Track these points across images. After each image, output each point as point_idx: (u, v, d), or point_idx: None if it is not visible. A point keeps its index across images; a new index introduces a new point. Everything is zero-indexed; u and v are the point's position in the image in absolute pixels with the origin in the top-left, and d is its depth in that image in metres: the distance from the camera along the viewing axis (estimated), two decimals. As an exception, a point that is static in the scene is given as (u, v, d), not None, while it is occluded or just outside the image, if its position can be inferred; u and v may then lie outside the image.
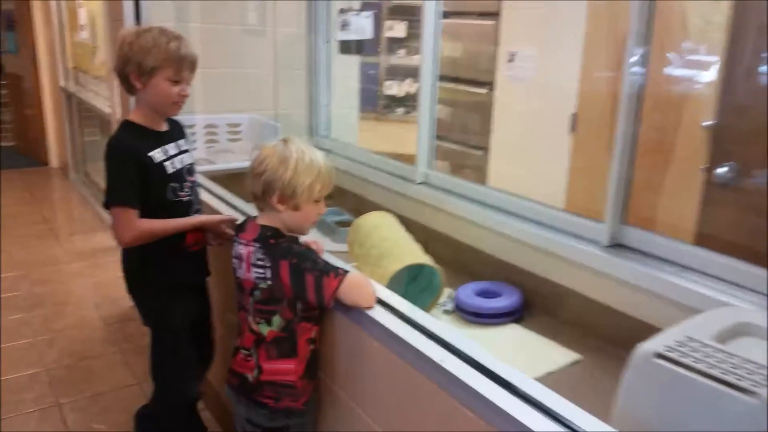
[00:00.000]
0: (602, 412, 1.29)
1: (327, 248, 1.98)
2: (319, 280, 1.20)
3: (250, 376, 1.32)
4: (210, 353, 1.81)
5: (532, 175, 2.24)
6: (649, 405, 0.82)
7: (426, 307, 1.70)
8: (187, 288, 1.66)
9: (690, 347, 0.83)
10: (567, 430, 0.88)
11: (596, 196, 1.59)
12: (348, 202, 2.43)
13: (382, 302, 1.26)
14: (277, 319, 1.29)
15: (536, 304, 1.72)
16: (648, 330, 1.45)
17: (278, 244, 1.26)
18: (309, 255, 1.25)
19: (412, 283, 1.76)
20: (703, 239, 1.56)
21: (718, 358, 0.81)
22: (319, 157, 1.29)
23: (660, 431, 0.80)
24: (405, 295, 1.73)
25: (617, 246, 1.55)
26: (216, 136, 2.82)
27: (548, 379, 1.40)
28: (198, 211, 1.63)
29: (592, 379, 1.42)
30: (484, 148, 2.63)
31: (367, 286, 1.25)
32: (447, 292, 1.76)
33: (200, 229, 1.59)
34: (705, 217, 1.59)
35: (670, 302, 1.39)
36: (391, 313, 1.23)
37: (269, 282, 1.25)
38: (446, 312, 1.73)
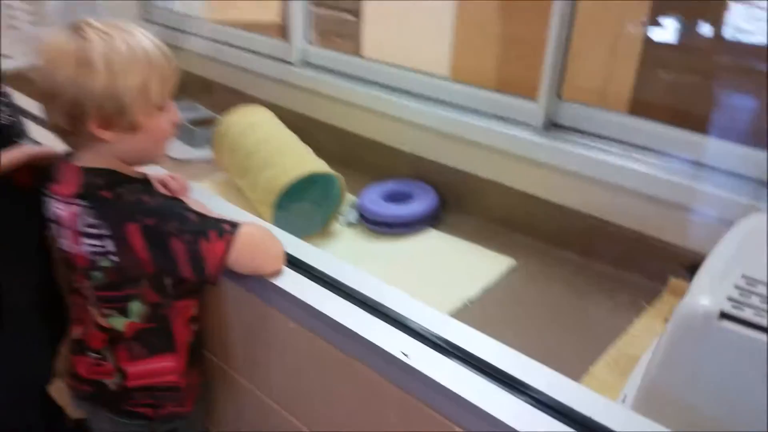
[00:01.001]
0: (560, 332, 1.11)
1: (184, 156, 1.53)
2: (195, 247, 0.80)
3: (110, 382, 0.92)
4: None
5: (412, 43, 1.87)
6: (708, 384, 0.58)
7: (325, 223, 1.36)
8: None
9: (761, 295, 0.57)
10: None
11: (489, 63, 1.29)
12: (203, 94, 1.94)
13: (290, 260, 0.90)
14: (136, 307, 0.87)
15: (455, 204, 1.44)
16: (588, 222, 1.26)
17: (118, 197, 0.81)
18: (171, 208, 0.83)
19: (305, 197, 1.41)
20: (642, 108, 1.33)
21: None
22: (141, 38, 0.81)
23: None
24: (298, 215, 1.39)
25: (553, 127, 1.28)
26: (13, 20, 2.14)
27: (487, 299, 1.16)
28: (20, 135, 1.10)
29: (536, 289, 1.19)
30: (354, 12, 2.21)
31: (269, 243, 0.88)
32: (349, 199, 1.42)
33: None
34: (643, 82, 1.35)
35: (613, 187, 1.17)
36: (302, 272, 0.88)
37: (113, 258, 0.82)
38: (349, 224, 1.41)
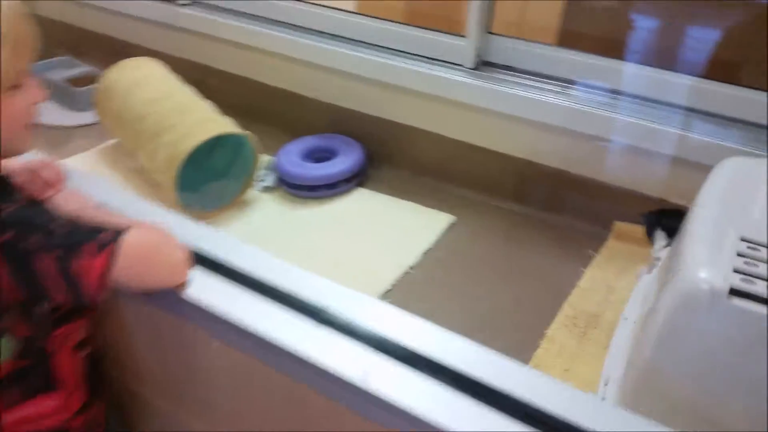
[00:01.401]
0: (509, 291, 1.03)
1: (63, 122, 1.32)
2: (66, 264, 0.62)
3: None
4: None
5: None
6: (716, 370, 0.49)
7: (238, 191, 1.20)
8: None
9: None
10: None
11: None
12: (82, 47, 1.68)
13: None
14: (5, 343, 0.68)
15: (382, 158, 1.31)
16: (526, 168, 1.17)
17: None
18: (33, 217, 0.64)
19: (212, 164, 1.23)
20: (572, 39, 1.24)
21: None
22: None
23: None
24: (206, 185, 1.22)
25: (484, 65, 1.16)
26: None
27: (429, 262, 1.05)
28: None
29: (479, 245, 1.09)
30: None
31: (165, 250, 0.69)
32: (264, 161, 1.26)
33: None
34: (573, 11, 1.25)
35: (550, 128, 1.08)
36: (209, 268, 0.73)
37: None
38: (267, 189, 1.25)
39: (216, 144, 1.12)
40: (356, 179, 1.25)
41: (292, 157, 1.25)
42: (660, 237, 0.92)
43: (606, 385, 0.60)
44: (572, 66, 1.09)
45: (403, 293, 0.98)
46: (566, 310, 0.94)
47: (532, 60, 1.12)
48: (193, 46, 1.47)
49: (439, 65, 1.17)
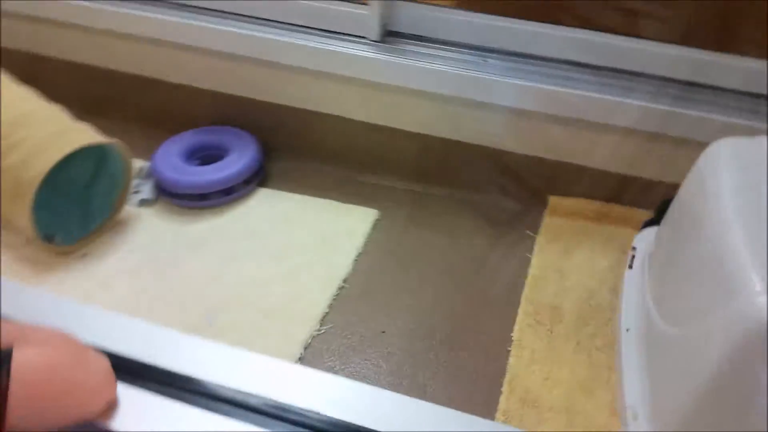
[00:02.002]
0: (460, 291, 0.93)
1: None
2: None
3: None
4: None
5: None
6: None
7: (109, 211, 0.97)
8: None
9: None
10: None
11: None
12: None
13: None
14: None
15: (282, 150, 1.14)
16: (446, 148, 1.06)
17: None
18: None
19: (71, 183, 0.99)
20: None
21: None
22: None
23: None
24: (67, 210, 0.97)
25: (390, 36, 1.02)
26: None
27: (364, 270, 0.92)
28: None
29: (412, 241, 0.98)
30: None
31: (77, 372, 0.48)
32: (137, 168, 1.04)
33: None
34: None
35: (467, 103, 0.98)
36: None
37: None
38: (144, 203, 1.03)
39: (74, 158, 0.88)
40: (255, 179, 1.07)
41: (171, 159, 1.04)
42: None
43: (636, 419, 0.52)
44: (490, 32, 0.98)
45: (341, 316, 0.84)
46: (525, 306, 0.85)
47: (443, 27, 1.00)
48: (20, 32, 1.17)
49: (339, 39, 1.01)
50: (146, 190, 1.04)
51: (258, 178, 1.07)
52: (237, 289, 0.88)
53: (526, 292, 0.88)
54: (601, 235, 0.97)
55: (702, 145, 0.67)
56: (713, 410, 0.43)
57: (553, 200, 1.02)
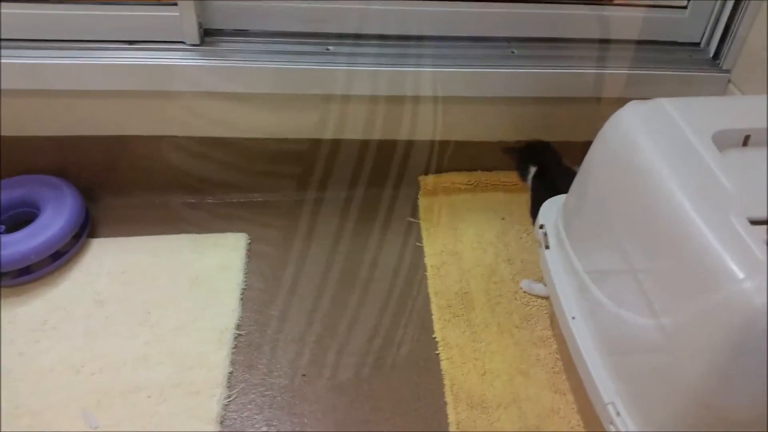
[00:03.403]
0: (363, 300, 0.84)
1: None
2: None
3: None
4: None
5: None
6: None
7: None
8: None
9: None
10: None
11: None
12: None
13: None
14: None
15: (100, 188, 0.95)
16: (276, 148, 0.96)
17: None
18: None
19: None
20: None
21: None
22: None
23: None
24: None
25: (210, 35, 0.88)
26: None
27: (252, 308, 0.82)
28: None
29: (296, 257, 0.89)
30: None
31: None
32: None
33: None
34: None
35: (296, 98, 0.89)
36: None
37: None
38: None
39: None
40: (84, 231, 0.89)
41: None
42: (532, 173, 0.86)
43: (618, 414, 0.51)
44: (325, 14, 0.89)
45: (249, 371, 0.74)
46: (435, 300, 0.82)
47: (266, 18, 0.89)
48: None
49: (153, 49, 0.85)
50: (-61, 281, 0.81)
51: (86, 228, 0.89)
52: (110, 374, 0.72)
53: (431, 283, 0.85)
54: (478, 204, 0.96)
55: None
56: (710, 403, 0.44)
57: (424, 179, 0.99)
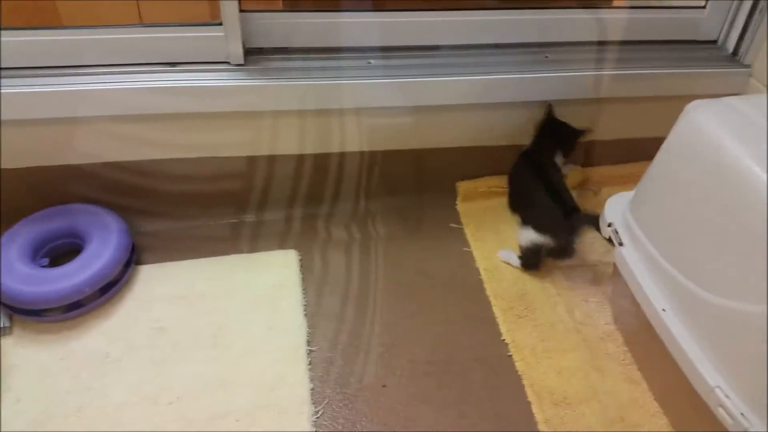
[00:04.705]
0: (429, 307, 0.84)
1: None
2: None
3: None
4: None
5: None
6: None
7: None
8: None
9: None
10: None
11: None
12: None
13: None
14: None
15: (143, 212, 0.94)
16: (329, 161, 0.97)
17: None
18: None
19: None
20: None
21: None
22: None
23: None
24: None
25: (252, 54, 0.88)
26: None
27: (319, 323, 0.82)
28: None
29: (350, 272, 0.89)
30: None
31: None
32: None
33: None
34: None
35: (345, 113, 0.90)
36: None
37: None
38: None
39: None
40: (132, 258, 0.87)
41: (14, 266, 0.79)
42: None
43: (728, 397, 0.53)
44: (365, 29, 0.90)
45: (330, 386, 0.74)
46: (495, 302, 0.84)
47: (306, 33, 0.89)
48: None
49: (196, 70, 0.84)
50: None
51: (133, 256, 0.87)
52: (189, 403, 0.71)
53: (488, 288, 0.86)
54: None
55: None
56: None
57: (461, 186, 1.01)
